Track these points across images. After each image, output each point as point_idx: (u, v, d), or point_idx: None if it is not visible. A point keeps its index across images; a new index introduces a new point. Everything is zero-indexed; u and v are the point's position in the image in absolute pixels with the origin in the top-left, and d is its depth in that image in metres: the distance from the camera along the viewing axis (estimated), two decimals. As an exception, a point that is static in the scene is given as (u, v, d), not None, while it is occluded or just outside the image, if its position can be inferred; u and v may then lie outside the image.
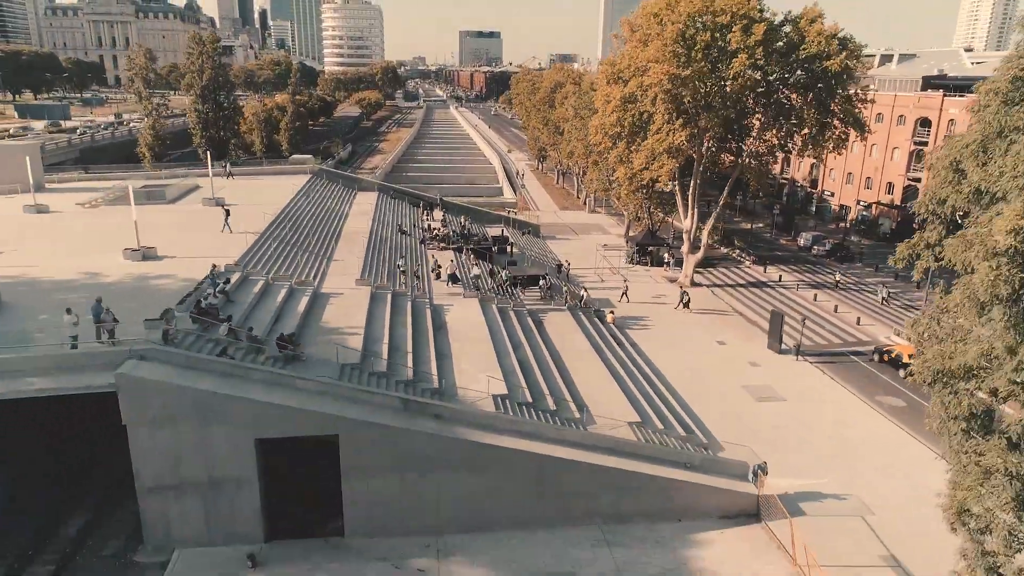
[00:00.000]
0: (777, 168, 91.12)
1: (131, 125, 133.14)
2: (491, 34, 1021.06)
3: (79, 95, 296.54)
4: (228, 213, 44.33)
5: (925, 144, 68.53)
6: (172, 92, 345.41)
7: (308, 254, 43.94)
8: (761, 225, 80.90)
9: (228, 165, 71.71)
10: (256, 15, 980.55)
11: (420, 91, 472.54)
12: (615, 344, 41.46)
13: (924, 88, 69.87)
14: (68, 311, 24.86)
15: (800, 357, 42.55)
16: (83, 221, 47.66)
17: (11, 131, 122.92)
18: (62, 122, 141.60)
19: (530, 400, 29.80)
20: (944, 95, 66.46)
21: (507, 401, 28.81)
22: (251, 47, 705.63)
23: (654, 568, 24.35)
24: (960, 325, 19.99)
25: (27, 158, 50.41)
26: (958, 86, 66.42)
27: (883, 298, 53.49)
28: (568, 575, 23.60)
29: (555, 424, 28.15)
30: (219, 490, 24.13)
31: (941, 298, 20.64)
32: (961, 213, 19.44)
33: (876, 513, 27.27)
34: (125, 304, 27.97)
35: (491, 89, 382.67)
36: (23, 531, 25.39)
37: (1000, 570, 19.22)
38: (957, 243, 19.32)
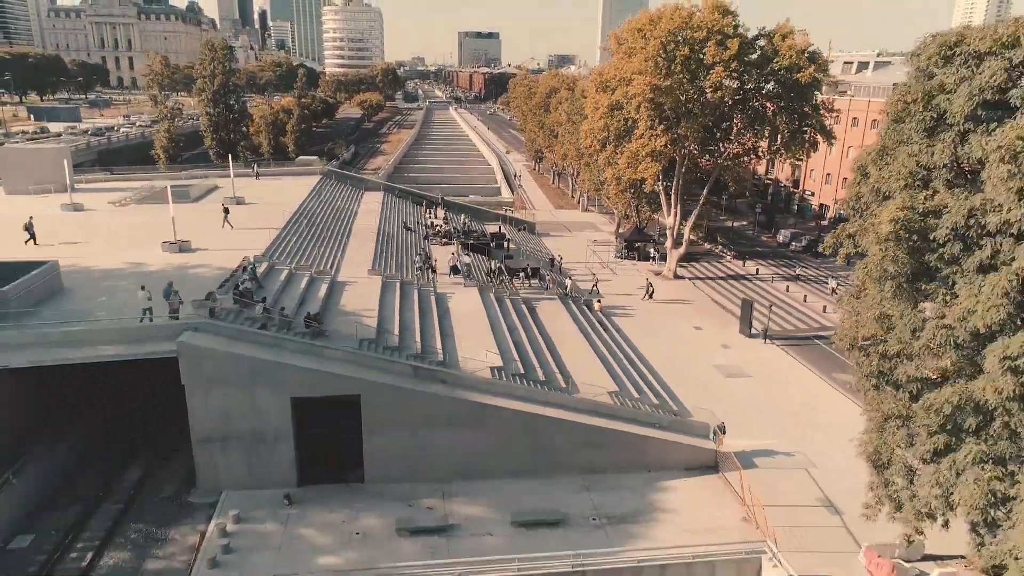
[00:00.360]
0: (762, 169, 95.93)
1: (144, 128, 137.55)
2: (490, 35, 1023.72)
3: (83, 96, 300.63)
4: (227, 211, 48.97)
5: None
6: (176, 93, 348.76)
7: (324, 247, 48.58)
8: (744, 223, 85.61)
9: (256, 167, 76.34)
10: (256, 15, 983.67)
11: (420, 92, 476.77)
12: (600, 328, 46.06)
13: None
14: (143, 287, 29.60)
15: (768, 340, 47.17)
16: (117, 218, 52.24)
17: (30, 133, 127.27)
18: (75, 124, 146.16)
19: (522, 372, 34.34)
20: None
21: (502, 372, 33.38)
22: (252, 48, 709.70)
23: (626, 508, 28.96)
24: (869, 300, 24.66)
25: (64, 160, 55.00)
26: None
27: (832, 288, 58.32)
28: (552, 511, 28.19)
29: (544, 390, 32.75)
30: (260, 442, 28.74)
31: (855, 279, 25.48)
32: (866, 208, 24.05)
33: (818, 467, 31.93)
34: (184, 283, 32.59)
35: (490, 90, 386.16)
36: (94, 479, 29.98)
37: (899, 497, 23.90)
38: (863, 232, 24.13)
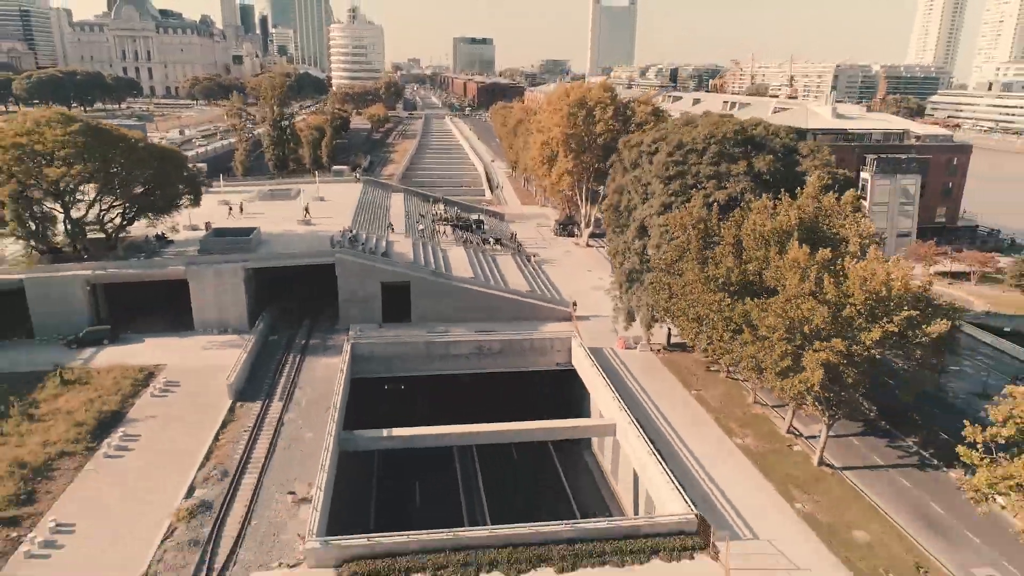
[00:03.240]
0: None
1: (221, 142, 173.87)
2: (484, 41, 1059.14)
3: (117, 106, 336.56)
4: (307, 210, 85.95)
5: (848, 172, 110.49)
6: (195, 102, 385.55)
7: (378, 223, 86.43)
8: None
9: (359, 172, 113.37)
10: (257, 21, 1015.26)
11: (417, 99, 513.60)
12: (533, 269, 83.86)
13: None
14: (344, 232, 67.58)
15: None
16: (255, 208, 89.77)
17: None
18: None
19: (489, 283, 72.08)
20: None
21: (475, 280, 71.08)
22: (256, 56, 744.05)
23: (524, 334, 66.63)
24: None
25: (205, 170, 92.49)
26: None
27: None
28: (491, 331, 65.94)
29: (494, 286, 70.57)
30: (366, 301, 66.39)
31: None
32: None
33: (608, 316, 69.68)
34: (315, 239, 70.34)
35: (483, 99, 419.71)
36: (290, 320, 67.61)
37: (630, 310, 61.88)
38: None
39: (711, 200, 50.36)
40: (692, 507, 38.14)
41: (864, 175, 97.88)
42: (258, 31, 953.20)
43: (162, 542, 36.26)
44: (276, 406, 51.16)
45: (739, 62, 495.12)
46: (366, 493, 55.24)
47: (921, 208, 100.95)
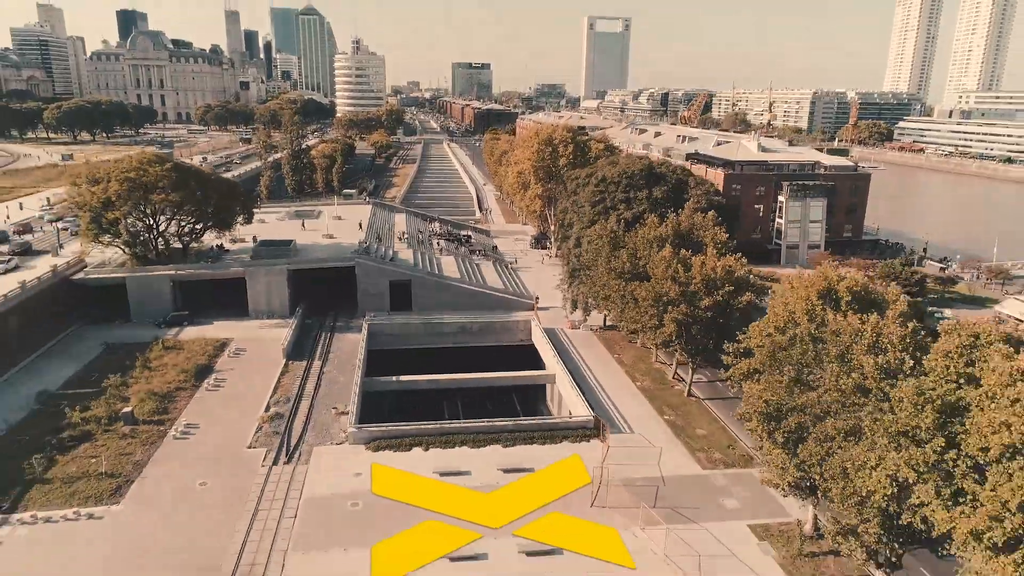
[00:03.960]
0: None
1: (247, 169, 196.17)
2: (482, 66, 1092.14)
3: (134, 132, 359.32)
4: (361, 225, 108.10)
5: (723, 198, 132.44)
6: (207, 128, 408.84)
7: (386, 236, 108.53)
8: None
9: (368, 196, 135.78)
10: (261, 46, 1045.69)
11: (417, 123, 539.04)
12: (509, 273, 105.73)
13: (686, 160, 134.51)
14: (330, 237, 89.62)
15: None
16: (285, 224, 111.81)
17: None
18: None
19: (468, 280, 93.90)
20: (692, 164, 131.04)
21: (461, 280, 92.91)
22: (262, 81, 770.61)
23: (497, 318, 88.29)
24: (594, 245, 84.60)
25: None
26: (702, 160, 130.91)
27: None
28: (472, 316, 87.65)
29: (476, 284, 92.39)
30: (378, 295, 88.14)
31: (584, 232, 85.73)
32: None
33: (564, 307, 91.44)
34: (337, 248, 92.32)
35: (479, 124, 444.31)
36: (320, 309, 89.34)
37: (573, 298, 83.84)
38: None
39: (621, 217, 72.33)
40: (592, 412, 59.68)
41: (781, 198, 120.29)
42: (262, 55, 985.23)
43: (255, 432, 57.65)
44: (317, 363, 72.74)
45: (704, 95, 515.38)
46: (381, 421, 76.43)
47: (830, 225, 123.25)
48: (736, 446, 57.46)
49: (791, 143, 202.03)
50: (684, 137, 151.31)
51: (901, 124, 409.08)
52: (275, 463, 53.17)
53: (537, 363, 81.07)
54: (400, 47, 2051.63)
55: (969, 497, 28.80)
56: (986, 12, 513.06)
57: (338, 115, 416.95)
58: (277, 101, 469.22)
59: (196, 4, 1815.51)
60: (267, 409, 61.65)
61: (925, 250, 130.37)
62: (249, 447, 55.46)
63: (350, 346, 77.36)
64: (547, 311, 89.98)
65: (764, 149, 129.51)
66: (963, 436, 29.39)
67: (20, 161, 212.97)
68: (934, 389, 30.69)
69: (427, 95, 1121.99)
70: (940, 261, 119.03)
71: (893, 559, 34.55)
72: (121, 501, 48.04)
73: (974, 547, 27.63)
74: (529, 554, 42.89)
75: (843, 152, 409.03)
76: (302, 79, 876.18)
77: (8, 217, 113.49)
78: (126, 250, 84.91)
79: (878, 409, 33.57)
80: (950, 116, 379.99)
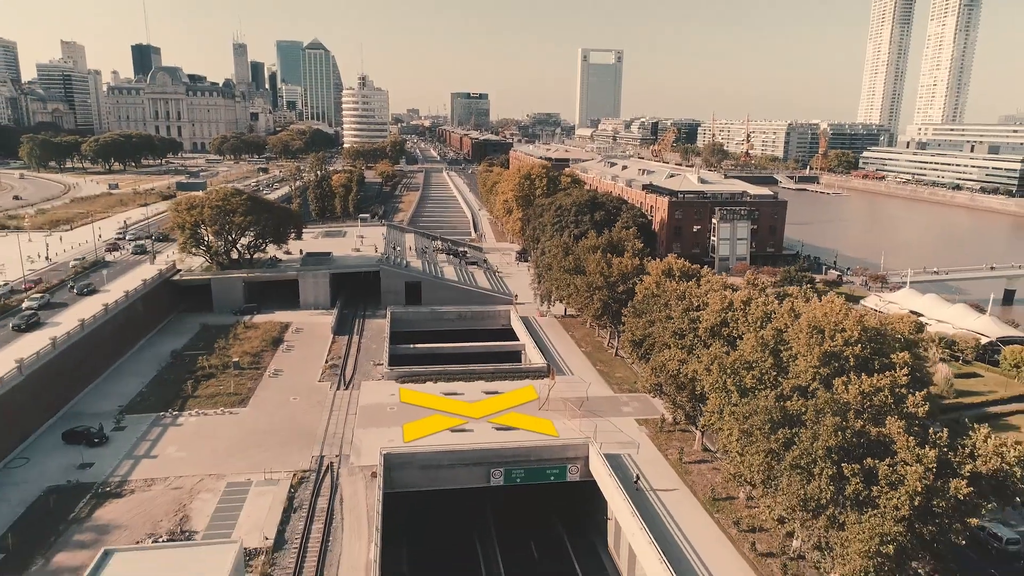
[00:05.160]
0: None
1: (278, 192, 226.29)
2: (480, 96, 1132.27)
3: (159, 162, 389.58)
4: (376, 248, 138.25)
5: (648, 218, 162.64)
6: (222, 158, 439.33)
7: (401, 250, 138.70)
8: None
9: (381, 219, 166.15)
10: (267, 77, 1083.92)
11: (417, 151, 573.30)
12: (496, 277, 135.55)
13: (643, 189, 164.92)
14: (358, 249, 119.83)
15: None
16: (320, 241, 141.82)
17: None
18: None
19: (464, 281, 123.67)
20: (647, 193, 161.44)
21: (459, 282, 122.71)
22: (269, 111, 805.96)
23: (485, 309, 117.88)
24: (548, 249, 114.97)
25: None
26: (655, 190, 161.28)
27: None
28: (467, 308, 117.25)
29: (469, 284, 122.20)
30: (397, 292, 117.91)
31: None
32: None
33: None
34: (364, 258, 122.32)
35: (476, 153, 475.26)
36: (353, 304, 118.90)
37: (547, 292, 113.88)
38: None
39: (572, 234, 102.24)
40: (545, 361, 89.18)
41: (715, 220, 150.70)
42: (267, 86, 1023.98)
43: (321, 374, 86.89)
44: (355, 337, 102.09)
45: (672, 131, 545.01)
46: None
47: (756, 242, 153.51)
48: (638, 382, 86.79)
49: (762, 169, 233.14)
50: (643, 170, 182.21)
51: (865, 154, 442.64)
52: (337, 389, 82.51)
53: (514, 341, 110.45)
54: (400, 76, 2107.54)
55: (713, 360, 57.97)
56: (948, 50, 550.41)
57: (346, 146, 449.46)
58: (288, 132, 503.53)
59: (205, 37, 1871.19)
60: (326, 362, 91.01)
61: (835, 262, 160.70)
62: (319, 381, 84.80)
63: (378, 327, 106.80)
64: (523, 305, 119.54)
65: (703, 181, 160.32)
66: (697, 321, 59.28)
67: (73, 191, 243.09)
68: (687, 307, 60.69)
69: (427, 123, 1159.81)
70: (840, 271, 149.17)
71: (688, 409, 63.97)
72: (246, 406, 77.28)
73: (715, 392, 56.57)
74: (496, 429, 72.03)
75: (813, 179, 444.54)
76: (307, 109, 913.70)
77: (101, 235, 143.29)
78: (208, 259, 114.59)
79: (667, 318, 63.49)
80: (907, 147, 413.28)
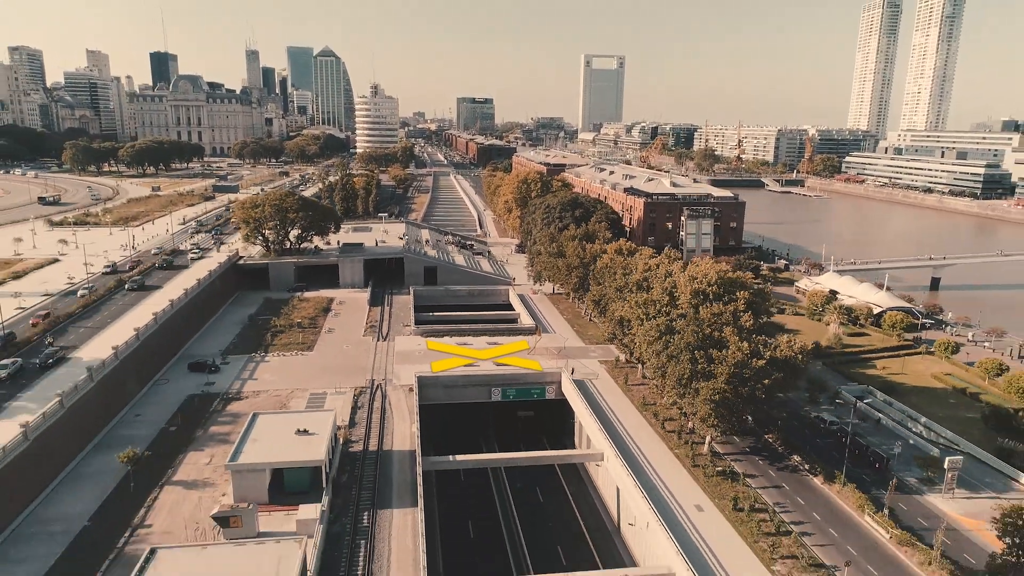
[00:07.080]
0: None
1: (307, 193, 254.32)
2: (485, 101, 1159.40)
3: (186, 167, 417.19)
4: (400, 236, 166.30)
5: (619, 214, 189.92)
6: (242, 161, 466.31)
7: (419, 242, 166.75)
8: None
9: (398, 217, 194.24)
10: (277, 82, 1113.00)
11: (425, 155, 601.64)
12: (498, 264, 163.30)
13: (624, 192, 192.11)
14: (401, 237, 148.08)
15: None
16: (350, 235, 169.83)
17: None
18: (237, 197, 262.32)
19: (470, 267, 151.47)
20: (628, 195, 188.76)
21: (467, 267, 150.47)
22: (282, 116, 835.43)
23: (488, 288, 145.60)
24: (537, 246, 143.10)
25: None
26: (634, 192, 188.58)
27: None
28: (474, 287, 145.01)
29: (476, 269, 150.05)
30: (417, 275, 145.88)
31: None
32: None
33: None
34: (390, 247, 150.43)
35: (482, 157, 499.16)
36: (382, 283, 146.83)
37: (539, 274, 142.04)
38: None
39: (556, 227, 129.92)
40: (535, 322, 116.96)
41: (683, 218, 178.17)
42: (278, 91, 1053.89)
43: (364, 331, 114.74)
44: (386, 308, 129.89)
45: (661, 139, 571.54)
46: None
47: (719, 237, 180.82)
48: (602, 335, 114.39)
49: (751, 172, 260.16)
50: (627, 175, 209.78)
51: (848, 158, 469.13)
52: (378, 341, 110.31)
53: (511, 311, 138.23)
54: (406, 78, 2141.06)
55: (636, 302, 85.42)
56: (931, 60, 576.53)
57: (359, 151, 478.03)
58: (303, 138, 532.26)
59: (218, 44, 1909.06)
60: (367, 323, 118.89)
61: (788, 253, 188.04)
62: (363, 336, 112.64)
63: (403, 301, 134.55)
64: (520, 286, 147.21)
65: (675, 184, 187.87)
66: (629, 279, 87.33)
67: (121, 194, 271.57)
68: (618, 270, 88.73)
69: (432, 126, 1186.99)
70: (788, 260, 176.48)
71: (631, 348, 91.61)
72: (312, 351, 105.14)
73: (635, 319, 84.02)
74: (496, 364, 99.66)
75: (799, 183, 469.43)
76: (317, 114, 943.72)
77: (169, 230, 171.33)
78: (265, 248, 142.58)
79: (614, 280, 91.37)
80: (886, 152, 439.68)
